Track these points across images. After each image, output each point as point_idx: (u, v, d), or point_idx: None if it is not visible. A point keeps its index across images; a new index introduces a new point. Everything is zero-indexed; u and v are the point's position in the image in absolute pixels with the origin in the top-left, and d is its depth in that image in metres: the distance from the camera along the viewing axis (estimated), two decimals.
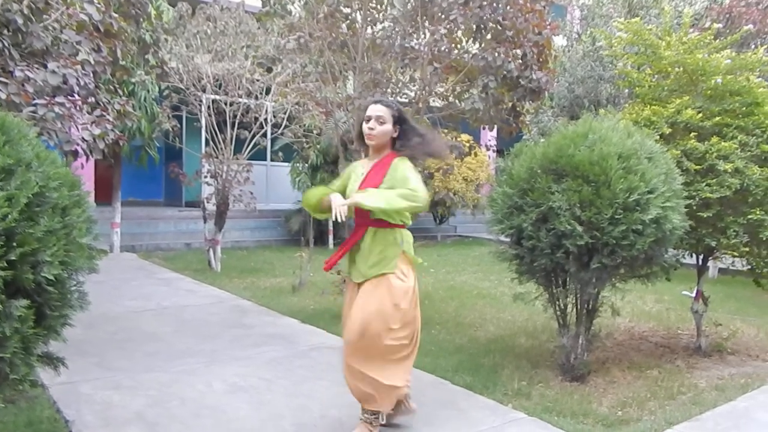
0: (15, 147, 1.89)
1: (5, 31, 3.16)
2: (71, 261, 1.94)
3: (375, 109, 2.95)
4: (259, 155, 9.41)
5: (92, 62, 3.36)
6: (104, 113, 3.48)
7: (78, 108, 3.21)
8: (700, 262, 4.80)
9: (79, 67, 3.26)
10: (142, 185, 13.54)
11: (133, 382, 3.66)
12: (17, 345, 1.80)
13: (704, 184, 4.20)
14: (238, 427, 3.10)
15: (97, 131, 3.26)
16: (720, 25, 5.41)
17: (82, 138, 3.19)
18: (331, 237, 10.93)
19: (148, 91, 9.05)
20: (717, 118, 4.40)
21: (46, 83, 3.10)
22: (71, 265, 1.95)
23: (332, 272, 3.54)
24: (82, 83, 3.27)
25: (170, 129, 8.09)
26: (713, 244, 4.35)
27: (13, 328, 1.75)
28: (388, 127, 2.95)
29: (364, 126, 2.96)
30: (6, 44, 3.14)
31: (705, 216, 4.19)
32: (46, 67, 3.26)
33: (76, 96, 3.29)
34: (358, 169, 3.07)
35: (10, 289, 1.79)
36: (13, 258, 1.74)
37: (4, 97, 2.85)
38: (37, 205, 1.86)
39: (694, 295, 4.78)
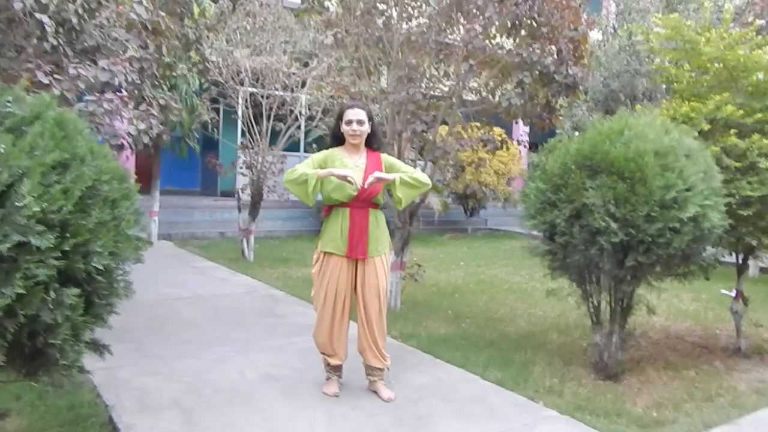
0: (71, 142, 1.98)
1: (60, 30, 3.29)
2: (119, 251, 2.02)
3: (356, 113, 3.37)
4: (293, 147, 9.52)
5: (139, 58, 3.47)
6: (149, 108, 3.59)
7: (125, 104, 3.32)
8: (740, 260, 4.71)
9: (127, 64, 3.38)
10: (179, 174, 13.82)
11: (169, 368, 3.77)
12: (67, 332, 1.89)
13: (745, 181, 4.14)
14: (271, 416, 3.17)
15: (142, 126, 3.38)
16: (763, 21, 5.25)
17: (128, 132, 3.31)
18: None
19: (189, 84, 9.24)
20: (758, 115, 4.31)
21: (96, 80, 3.23)
22: (119, 256, 2.05)
23: None
24: (129, 80, 3.39)
25: (209, 120, 8.26)
26: (754, 242, 4.28)
27: (64, 315, 1.84)
28: (367, 126, 3.40)
29: (347, 128, 3.37)
30: (60, 42, 3.28)
31: (745, 214, 4.13)
32: (95, 63, 3.38)
33: (123, 92, 3.41)
34: (345, 159, 3.38)
35: (62, 278, 1.88)
36: (67, 248, 1.83)
37: (57, 93, 2.97)
38: (89, 198, 1.94)
39: (733, 294, 4.69)
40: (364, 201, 3.33)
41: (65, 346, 1.91)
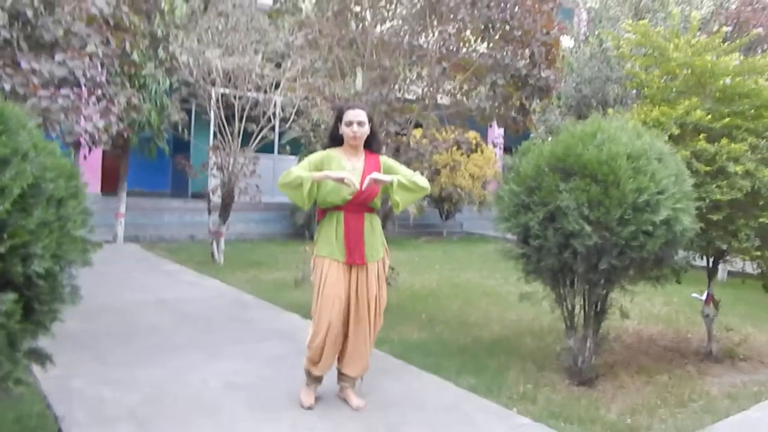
0: (12, 137, 1.83)
1: (15, 23, 3.13)
2: (64, 254, 1.87)
3: (357, 114, 3.27)
4: (266, 148, 9.35)
5: (100, 54, 3.31)
6: (110, 105, 3.43)
7: (83, 100, 3.16)
8: (711, 264, 4.72)
9: (86, 59, 3.22)
10: (148, 176, 13.49)
11: (128, 377, 3.59)
12: (2, 340, 1.74)
13: (714, 185, 4.15)
14: (234, 427, 3.03)
15: (101, 123, 3.21)
16: (728, 29, 5.33)
17: (85, 129, 3.15)
18: None
19: (159, 84, 9.02)
20: (726, 120, 4.34)
21: (52, 75, 3.06)
22: (64, 259, 1.89)
23: None
24: (88, 75, 3.23)
25: (179, 121, 8.06)
26: (724, 247, 4.30)
27: None
28: (367, 128, 3.30)
29: (348, 129, 3.26)
30: (15, 36, 3.11)
31: (715, 218, 4.15)
32: (54, 58, 3.21)
33: (82, 88, 3.25)
34: (343, 161, 3.27)
35: None
36: (2, 251, 1.68)
37: (8, 88, 2.81)
38: (32, 196, 1.80)
39: (704, 298, 4.70)
40: (359, 205, 3.23)
41: None
